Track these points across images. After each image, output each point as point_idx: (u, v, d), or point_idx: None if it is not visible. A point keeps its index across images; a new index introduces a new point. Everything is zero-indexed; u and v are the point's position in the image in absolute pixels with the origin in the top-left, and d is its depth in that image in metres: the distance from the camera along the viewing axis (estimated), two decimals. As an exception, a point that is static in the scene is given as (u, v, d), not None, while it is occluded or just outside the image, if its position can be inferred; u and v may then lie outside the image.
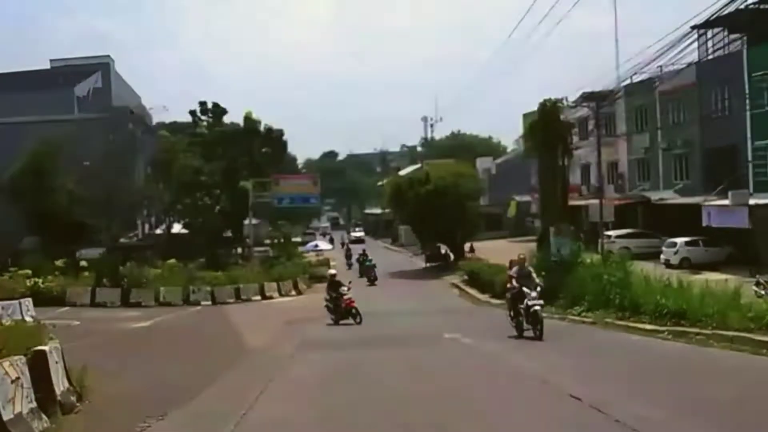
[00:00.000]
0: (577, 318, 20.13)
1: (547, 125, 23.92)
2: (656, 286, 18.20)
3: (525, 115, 46.06)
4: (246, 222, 43.65)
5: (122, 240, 41.85)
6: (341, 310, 22.67)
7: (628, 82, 34.85)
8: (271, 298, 34.56)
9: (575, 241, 24.04)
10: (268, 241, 45.73)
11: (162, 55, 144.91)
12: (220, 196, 41.05)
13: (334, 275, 24.69)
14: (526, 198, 55.67)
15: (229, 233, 45.27)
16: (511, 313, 16.58)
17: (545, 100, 23.54)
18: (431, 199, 42.05)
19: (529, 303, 15.65)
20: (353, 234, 78.37)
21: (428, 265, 46.56)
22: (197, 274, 34.03)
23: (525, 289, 15.84)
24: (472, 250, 45.75)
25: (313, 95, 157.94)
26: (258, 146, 44.21)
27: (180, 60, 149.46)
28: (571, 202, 50.59)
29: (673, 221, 37.30)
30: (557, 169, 24.37)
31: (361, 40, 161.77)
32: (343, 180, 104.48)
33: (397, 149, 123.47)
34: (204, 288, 32.98)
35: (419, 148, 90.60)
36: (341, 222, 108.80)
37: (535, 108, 27.26)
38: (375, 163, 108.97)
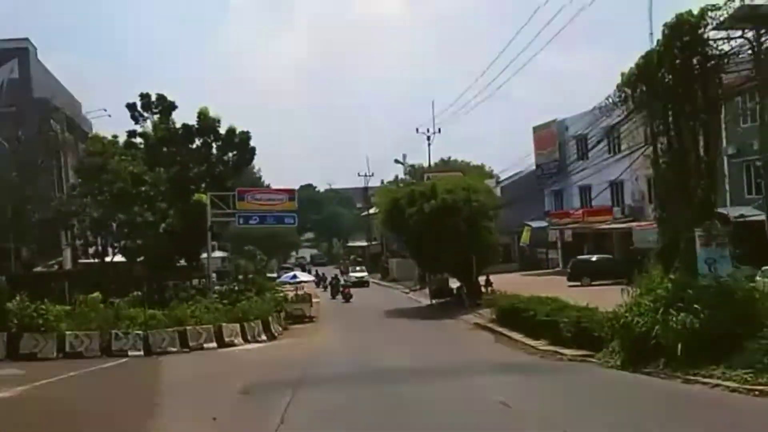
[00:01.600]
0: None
1: (674, 56, 13.97)
2: None
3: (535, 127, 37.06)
4: (204, 251, 33.39)
5: (39, 269, 31.27)
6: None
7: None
8: (231, 344, 24.34)
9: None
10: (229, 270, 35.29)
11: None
12: (167, 211, 30.87)
13: None
14: (541, 224, 46.38)
15: (182, 262, 34.85)
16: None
17: (683, 13, 13.82)
18: (438, 218, 32.47)
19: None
20: (352, 274, 55.69)
21: (434, 302, 36.62)
22: (126, 313, 23.62)
23: None
24: (489, 283, 35.92)
25: (287, 129, 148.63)
26: (218, 152, 34.32)
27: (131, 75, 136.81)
28: (602, 227, 41.70)
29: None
30: (696, 130, 14.40)
31: (336, 74, 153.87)
32: (323, 212, 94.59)
33: (377, 184, 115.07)
34: (134, 332, 22.59)
35: (402, 177, 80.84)
36: (324, 260, 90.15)
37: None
38: (356, 198, 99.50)
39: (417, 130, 48.23)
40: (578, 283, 34.88)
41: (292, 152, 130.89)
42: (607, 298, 18.67)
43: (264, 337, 26.13)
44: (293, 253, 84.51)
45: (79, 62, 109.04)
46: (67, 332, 21.81)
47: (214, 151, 34.94)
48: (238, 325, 25.24)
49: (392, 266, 58.36)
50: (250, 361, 20.55)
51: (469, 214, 32.95)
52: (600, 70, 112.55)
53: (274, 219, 34.32)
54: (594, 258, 37.40)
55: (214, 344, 24.02)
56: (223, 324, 24.75)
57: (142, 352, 22.29)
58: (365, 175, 67.55)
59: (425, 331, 26.98)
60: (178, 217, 31.31)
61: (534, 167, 48.29)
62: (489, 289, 35.47)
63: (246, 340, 25.19)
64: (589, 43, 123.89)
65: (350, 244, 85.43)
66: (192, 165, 34.13)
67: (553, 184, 46.73)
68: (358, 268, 59.21)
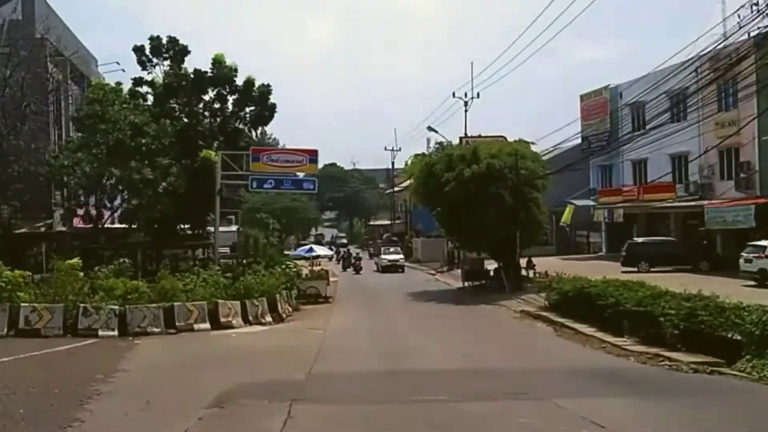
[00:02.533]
0: None
1: None
2: None
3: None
4: (213, 218, 28.60)
5: (24, 230, 26.70)
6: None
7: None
8: (227, 326, 19.48)
9: None
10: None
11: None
12: (170, 168, 26.05)
13: None
14: (586, 202, 40.77)
15: (187, 230, 30.15)
16: None
17: None
18: (481, 186, 27.20)
19: None
20: (384, 257, 45.41)
21: (467, 284, 31.41)
22: (101, 284, 18.86)
23: None
24: (531, 265, 30.66)
25: (313, 104, 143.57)
26: (233, 106, 29.40)
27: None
28: (665, 205, 35.78)
29: None
30: None
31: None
32: (345, 191, 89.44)
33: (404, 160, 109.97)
34: (108, 307, 17.81)
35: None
36: (345, 239, 78.91)
37: None
38: (380, 179, 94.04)
39: (453, 94, 42.67)
40: (634, 269, 29.47)
41: (317, 128, 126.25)
42: (673, 288, 14.44)
43: (269, 319, 21.21)
44: (312, 231, 79.29)
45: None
46: (23, 304, 17.04)
47: (230, 105, 30.01)
48: (238, 303, 20.34)
49: (417, 246, 53.14)
50: (246, 349, 15.64)
51: (516, 183, 27.58)
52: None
53: (291, 183, 29.28)
54: (654, 240, 31.84)
55: (207, 325, 19.15)
56: (220, 301, 19.85)
57: (115, 332, 17.49)
58: (392, 150, 61.97)
59: (463, 320, 21.82)
60: (182, 177, 26.43)
61: (578, 141, 42.44)
62: (532, 272, 30.28)
63: (247, 322, 20.30)
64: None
65: (372, 223, 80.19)
66: (202, 118, 29.26)
67: (601, 159, 41.06)
68: (392, 249, 47.40)
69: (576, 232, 46.11)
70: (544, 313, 20.58)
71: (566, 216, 39.83)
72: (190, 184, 26.85)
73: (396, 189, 65.14)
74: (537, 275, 28.93)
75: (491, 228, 27.21)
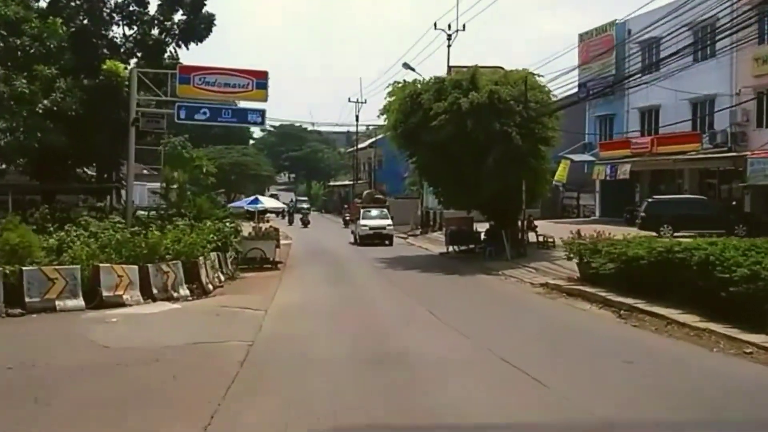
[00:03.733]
0: None
1: None
2: None
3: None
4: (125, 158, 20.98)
5: None
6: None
7: None
8: (116, 303, 12.35)
9: None
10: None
11: None
12: (56, 82, 18.39)
13: None
14: (584, 157, 34.59)
15: (90, 172, 22.56)
16: None
17: None
18: (480, 121, 20.37)
19: None
20: (364, 223, 30.71)
21: (452, 249, 24.78)
22: None
23: None
24: (532, 227, 24.24)
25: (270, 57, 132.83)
26: (157, 11, 21.70)
27: None
28: (688, 157, 29.39)
29: None
30: None
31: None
32: (304, 150, 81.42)
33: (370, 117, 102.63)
34: None
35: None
36: (307, 206, 60.74)
37: None
38: (340, 144, 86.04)
39: (435, 25, 35.18)
40: (654, 234, 23.33)
41: (273, 80, 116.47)
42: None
43: (184, 292, 14.06)
44: (266, 192, 69.23)
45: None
46: None
47: (151, 10, 22.34)
48: (135, 269, 13.14)
49: (387, 205, 46.18)
50: (113, 354, 8.60)
51: (525, 118, 20.92)
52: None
53: (232, 114, 21.98)
54: (680, 199, 25.77)
55: (79, 302, 11.98)
56: (102, 265, 12.60)
57: None
58: (357, 101, 54.19)
59: (464, 297, 15.09)
60: (75, 95, 18.82)
61: (575, 90, 36.02)
62: (533, 234, 23.89)
63: (149, 296, 13.18)
64: None
65: (332, 183, 72.74)
66: (110, 20, 21.51)
67: (602, 109, 34.84)
68: (374, 213, 32.26)
69: (564, 194, 40.03)
70: (582, 287, 14.09)
71: (561, 173, 33.36)
72: (88, 107, 19.30)
73: (360, 146, 57.91)
74: (546, 239, 22.57)
75: (492, 176, 20.52)
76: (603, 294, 12.98)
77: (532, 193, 22.84)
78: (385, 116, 24.37)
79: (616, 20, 33.60)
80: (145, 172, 37.22)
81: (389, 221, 30.93)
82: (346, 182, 63.91)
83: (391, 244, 29.37)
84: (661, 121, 30.74)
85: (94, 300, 12.18)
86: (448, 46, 33.39)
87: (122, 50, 21.65)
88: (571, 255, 15.68)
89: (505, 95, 20.69)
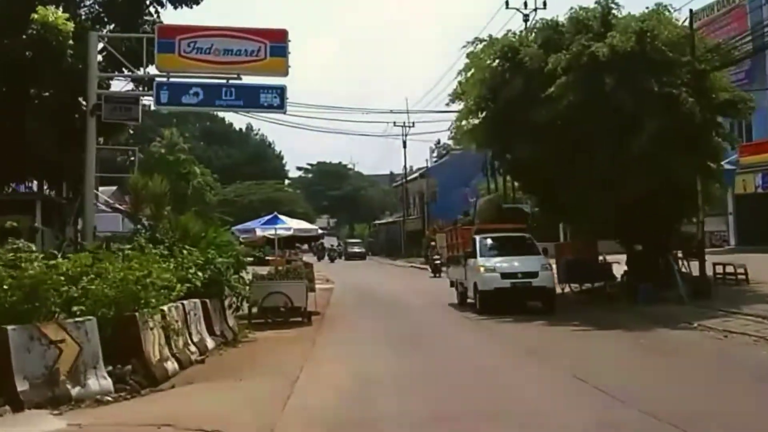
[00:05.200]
0: None
1: None
2: None
3: None
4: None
5: None
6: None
7: None
8: None
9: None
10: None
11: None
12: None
13: None
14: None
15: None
16: None
17: None
18: (625, 82, 12.67)
19: None
20: (492, 262, 14.44)
21: (568, 289, 16.60)
22: None
23: None
24: (695, 251, 15.75)
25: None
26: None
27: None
28: None
29: None
30: None
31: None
32: (345, 189, 74.38)
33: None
34: None
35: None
36: (362, 250, 51.89)
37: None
38: (383, 184, 78.07)
39: (507, 3, 27.75)
40: None
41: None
42: None
43: (101, 384, 6.31)
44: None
45: None
46: None
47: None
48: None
49: (440, 243, 38.05)
50: None
51: (695, 76, 13.18)
52: None
53: (237, 94, 14.69)
54: None
55: None
56: None
57: None
58: (403, 125, 46.80)
59: (679, 377, 7.21)
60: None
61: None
62: (694, 263, 15.54)
63: (10, 398, 5.68)
64: None
65: (378, 221, 64.91)
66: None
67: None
68: (507, 246, 16.70)
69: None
70: None
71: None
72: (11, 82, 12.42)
73: (409, 178, 50.59)
74: (735, 270, 14.48)
75: (643, 166, 12.76)
76: None
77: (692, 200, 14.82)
78: (457, 102, 16.94)
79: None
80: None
81: (541, 260, 14.45)
82: (395, 218, 56.45)
83: (551, 308, 13.89)
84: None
85: None
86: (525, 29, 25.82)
87: (83, 15, 14.99)
88: None
89: (665, 37, 12.98)
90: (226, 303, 11.08)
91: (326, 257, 44.58)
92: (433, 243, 30.09)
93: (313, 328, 12.70)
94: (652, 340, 9.91)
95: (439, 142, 60.68)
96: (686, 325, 11.03)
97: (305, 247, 48.01)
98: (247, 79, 14.62)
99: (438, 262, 26.08)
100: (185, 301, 8.91)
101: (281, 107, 15.11)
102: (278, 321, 12.97)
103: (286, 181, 68.65)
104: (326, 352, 9.91)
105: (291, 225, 14.96)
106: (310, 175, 75.86)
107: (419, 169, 52.69)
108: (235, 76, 14.28)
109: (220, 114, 66.94)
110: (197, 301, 9.56)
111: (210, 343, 9.54)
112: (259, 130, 72.53)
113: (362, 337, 11.58)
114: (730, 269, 15.55)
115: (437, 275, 25.50)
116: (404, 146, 48.11)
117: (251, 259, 12.72)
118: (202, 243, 11.62)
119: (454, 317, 14.42)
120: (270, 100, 14.79)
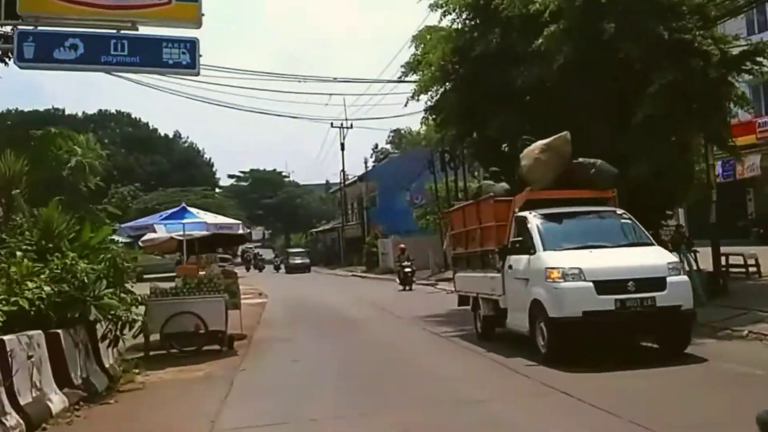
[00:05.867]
0: None
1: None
2: None
3: None
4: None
5: None
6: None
7: None
8: None
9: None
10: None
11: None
12: None
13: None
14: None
15: None
16: None
17: None
18: (627, 29, 9.94)
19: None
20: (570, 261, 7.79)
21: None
22: None
23: None
24: (686, 240, 13.15)
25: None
26: None
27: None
28: None
29: None
30: None
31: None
32: (280, 197, 70.22)
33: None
34: None
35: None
36: (300, 260, 44.14)
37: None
38: (319, 192, 73.89)
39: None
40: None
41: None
42: None
43: None
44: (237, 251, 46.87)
45: None
46: None
47: None
48: None
49: (385, 249, 34.96)
50: None
51: (707, 24, 10.71)
52: None
53: (131, 49, 10.76)
54: None
55: None
56: None
57: None
58: (341, 126, 43.38)
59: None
60: None
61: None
62: (692, 255, 12.89)
63: None
64: None
65: (316, 230, 60.94)
66: None
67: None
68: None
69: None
70: None
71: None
72: None
73: (347, 182, 47.29)
74: (746, 262, 12.07)
75: (651, 135, 10.19)
76: None
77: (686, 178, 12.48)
78: (413, 73, 13.93)
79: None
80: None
81: (663, 255, 7.97)
82: (332, 225, 53.01)
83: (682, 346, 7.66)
84: None
85: None
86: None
87: None
88: None
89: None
90: (100, 334, 7.50)
91: (255, 267, 43.95)
92: (401, 250, 23.31)
93: (236, 359, 9.28)
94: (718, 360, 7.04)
95: (377, 146, 58.17)
96: (730, 333, 8.40)
97: (238, 259, 44.03)
98: (146, 31, 11.10)
99: (408, 270, 21.30)
100: (4, 337, 5.35)
101: (192, 66, 11.28)
102: (187, 352, 9.50)
103: (217, 190, 64.04)
104: (245, 401, 6.53)
105: (205, 219, 11.47)
106: (243, 183, 71.56)
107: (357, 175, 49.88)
108: (129, 24, 10.69)
109: (143, 119, 63.07)
110: (37, 333, 6.01)
111: (57, 402, 5.98)
112: (188, 137, 67.84)
113: (307, 376, 8.18)
114: (734, 261, 13.29)
115: (407, 287, 20.97)
116: (342, 149, 44.86)
117: (140, 267, 9.11)
118: (76, 246, 8.12)
119: (479, 366, 8.12)
120: (177, 57, 11.03)
